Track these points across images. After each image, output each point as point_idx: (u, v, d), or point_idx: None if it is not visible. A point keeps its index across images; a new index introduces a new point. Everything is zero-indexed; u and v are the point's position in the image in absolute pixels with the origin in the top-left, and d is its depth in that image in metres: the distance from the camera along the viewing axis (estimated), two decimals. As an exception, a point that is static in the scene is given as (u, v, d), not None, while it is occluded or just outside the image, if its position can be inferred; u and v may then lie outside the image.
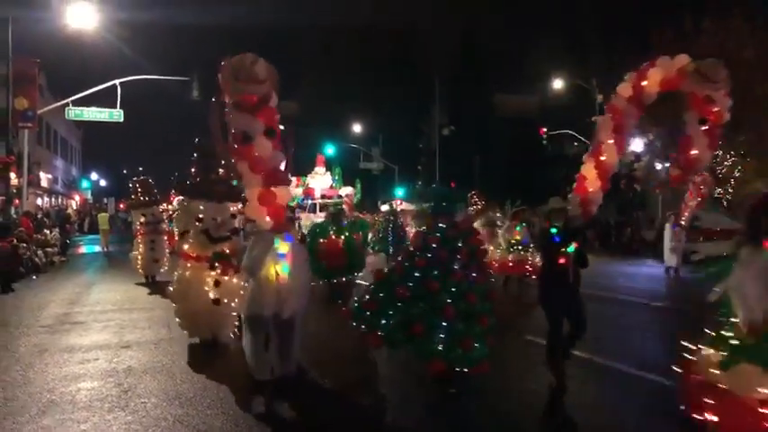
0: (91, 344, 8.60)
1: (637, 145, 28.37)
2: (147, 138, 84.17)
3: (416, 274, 6.53)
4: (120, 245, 27.09)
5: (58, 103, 25.15)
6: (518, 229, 14.15)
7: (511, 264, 13.73)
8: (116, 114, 25.51)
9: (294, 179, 35.59)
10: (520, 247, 13.76)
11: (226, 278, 8.01)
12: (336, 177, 35.90)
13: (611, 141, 7.15)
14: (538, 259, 11.64)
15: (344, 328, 7.22)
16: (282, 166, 6.71)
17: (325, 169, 36.02)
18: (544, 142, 40.56)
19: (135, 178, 16.72)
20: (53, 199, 45.68)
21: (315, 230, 12.81)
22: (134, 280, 15.22)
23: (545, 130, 39.25)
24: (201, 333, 8.33)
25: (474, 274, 6.63)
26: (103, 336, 9.15)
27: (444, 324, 6.21)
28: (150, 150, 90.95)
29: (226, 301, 8.01)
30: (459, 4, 63.11)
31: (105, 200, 60.06)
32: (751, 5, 21.97)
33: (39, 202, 38.03)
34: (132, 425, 5.49)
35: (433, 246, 6.61)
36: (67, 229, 30.56)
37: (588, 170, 7.27)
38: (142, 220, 15.62)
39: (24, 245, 17.07)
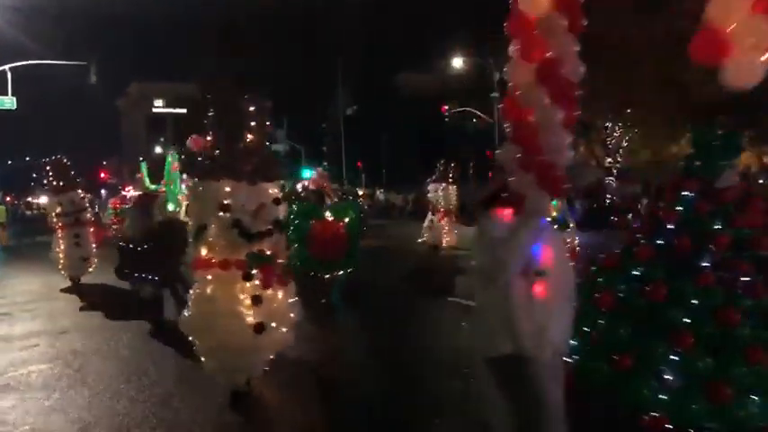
0: (26, 332, 8.55)
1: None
2: (38, 126, 79.12)
3: (635, 273, 4.47)
4: (17, 238, 25.98)
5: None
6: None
7: None
8: (8, 102, 24.26)
9: None
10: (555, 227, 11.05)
11: (269, 292, 5.49)
12: None
13: None
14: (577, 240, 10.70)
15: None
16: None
17: None
18: (446, 119, 41.75)
19: (46, 159, 13.43)
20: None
21: (303, 210, 9.63)
22: (49, 271, 14.65)
23: (447, 107, 40.43)
24: (237, 378, 5.59)
25: (744, 279, 4.18)
26: (36, 324, 9.08)
27: (676, 357, 4.02)
28: (41, 140, 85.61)
29: (273, 325, 5.45)
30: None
31: (-5, 192, 56.60)
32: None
33: None
34: (96, 397, 5.70)
35: (670, 227, 4.44)
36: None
37: None
38: (58, 210, 12.67)
39: None
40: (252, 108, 5.61)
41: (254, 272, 5.31)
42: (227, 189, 5.38)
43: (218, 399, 5.51)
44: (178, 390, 5.90)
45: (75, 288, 12.20)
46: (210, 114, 5.67)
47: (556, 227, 8.76)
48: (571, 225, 10.59)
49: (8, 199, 46.36)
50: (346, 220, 9.45)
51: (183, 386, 6.00)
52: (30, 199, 78.47)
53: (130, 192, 33.71)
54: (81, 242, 12.51)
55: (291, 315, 5.64)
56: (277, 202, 5.64)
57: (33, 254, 20.33)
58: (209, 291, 5.48)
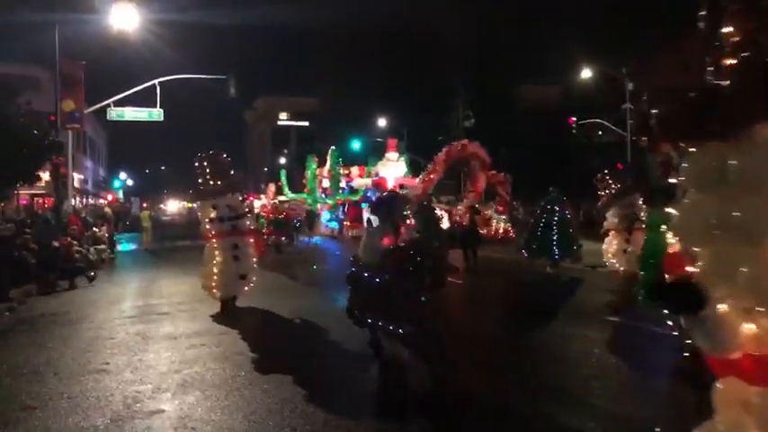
0: (189, 332, 8.91)
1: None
2: (171, 138, 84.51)
3: None
4: (158, 242, 27.63)
5: (102, 104, 25.55)
6: None
7: None
8: (156, 114, 25.92)
9: (357, 168, 33.79)
10: None
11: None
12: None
13: None
14: None
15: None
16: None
17: (398, 155, 30.62)
18: (573, 131, 40.45)
19: (201, 154, 10.91)
20: (85, 199, 46.33)
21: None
22: (195, 274, 15.10)
23: (574, 119, 39.16)
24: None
25: None
26: (196, 324, 9.44)
27: None
28: (174, 151, 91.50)
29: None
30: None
31: (132, 199, 61.05)
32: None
33: (72, 202, 38.59)
34: (266, 399, 5.78)
35: None
36: (111, 228, 31.08)
37: None
38: (213, 215, 10.39)
39: (77, 243, 17.48)
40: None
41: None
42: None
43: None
44: (358, 397, 5.87)
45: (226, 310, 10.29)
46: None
47: None
48: None
49: (144, 205, 49.52)
50: None
51: (344, 390, 5.98)
52: (162, 206, 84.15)
53: (257, 201, 35.31)
54: (240, 255, 10.32)
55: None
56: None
57: (175, 256, 21.64)
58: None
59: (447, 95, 56.04)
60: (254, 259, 10.86)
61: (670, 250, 5.69)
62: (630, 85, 33.81)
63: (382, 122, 53.23)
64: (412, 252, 5.88)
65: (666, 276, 5.47)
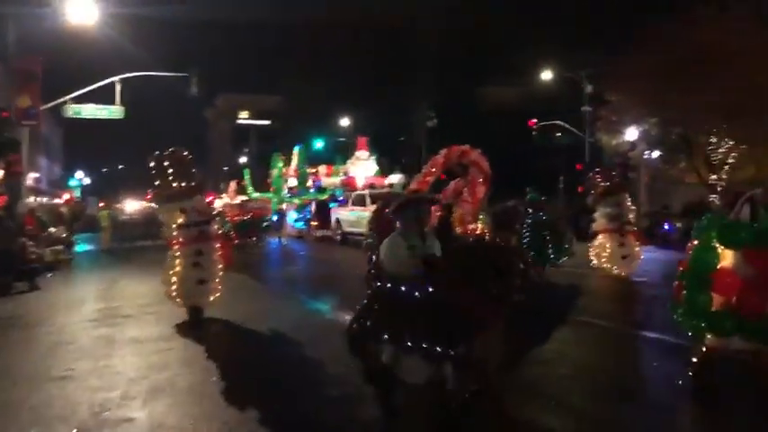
0: (155, 335, 8.67)
1: (632, 134, 28.94)
2: (130, 136, 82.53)
3: None
4: (117, 242, 26.96)
5: (59, 100, 24.85)
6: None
7: None
8: (116, 111, 25.33)
9: (324, 167, 33.24)
10: None
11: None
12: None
13: None
14: None
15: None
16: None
17: (368, 154, 30.47)
18: (533, 133, 40.98)
19: (160, 153, 9.58)
20: (39, 198, 45.03)
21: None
22: (157, 274, 14.77)
23: (535, 121, 39.69)
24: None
25: None
26: (162, 328, 9.14)
27: None
28: (133, 149, 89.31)
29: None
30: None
31: (89, 198, 59.51)
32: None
33: (27, 201, 37.52)
34: (241, 405, 5.61)
35: None
36: (68, 228, 30.27)
37: None
38: (180, 220, 9.34)
39: (33, 243, 16.94)
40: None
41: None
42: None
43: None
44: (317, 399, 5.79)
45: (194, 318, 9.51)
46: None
47: None
48: None
49: (101, 205, 48.46)
50: None
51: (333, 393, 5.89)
52: (119, 205, 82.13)
53: (218, 200, 34.73)
54: (203, 261, 9.39)
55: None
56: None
57: (136, 257, 21.17)
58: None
59: (410, 96, 56.28)
60: (220, 266, 9.80)
61: (720, 267, 5.22)
62: (589, 88, 34.43)
63: (345, 122, 53.14)
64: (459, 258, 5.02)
65: (715, 297, 5.17)
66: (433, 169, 13.59)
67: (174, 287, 9.42)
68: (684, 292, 5.49)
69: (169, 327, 9.16)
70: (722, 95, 21.49)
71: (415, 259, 4.97)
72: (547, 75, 37.68)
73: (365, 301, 5.43)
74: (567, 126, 37.19)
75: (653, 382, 6.51)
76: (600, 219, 13.24)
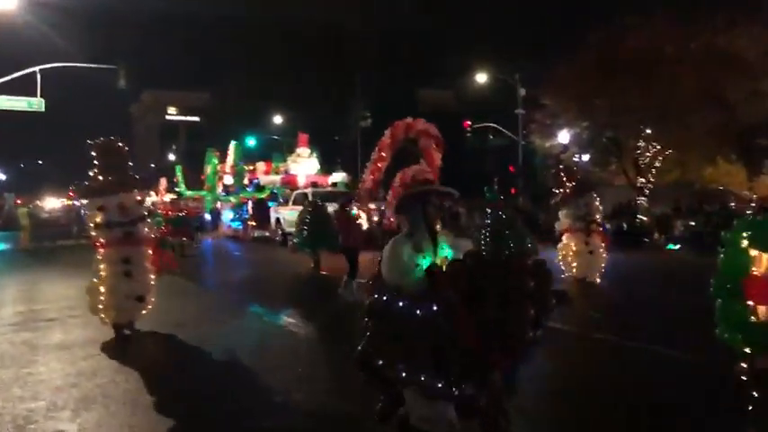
0: (83, 340, 8.14)
1: (564, 137, 29.69)
2: (51, 129, 78.73)
3: None
4: (37, 241, 25.65)
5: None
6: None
7: None
8: (36, 103, 24.03)
9: (263, 164, 32.28)
10: None
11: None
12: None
13: None
14: None
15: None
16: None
17: (309, 151, 29.54)
18: (468, 135, 41.49)
19: (91, 142, 8.49)
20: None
21: None
22: (83, 277, 14.04)
23: (469, 123, 40.18)
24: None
25: None
26: (89, 332, 8.56)
27: None
28: (54, 143, 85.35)
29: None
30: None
31: (5, 195, 56.50)
32: (676, 4, 23.54)
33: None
34: (180, 414, 5.31)
35: None
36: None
37: None
38: (99, 219, 8.03)
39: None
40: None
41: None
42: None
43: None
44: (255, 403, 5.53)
45: (122, 336, 8.18)
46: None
47: None
48: None
49: (18, 202, 46.35)
50: None
51: (260, 398, 5.63)
52: (39, 203, 78.48)
53: (150, 198, 33.45)
54: (133, 270, 8.12)
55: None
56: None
57: (58, 257, 20.15)
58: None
59: (345, 95, 56.12)
60: (152, 276, 8.50)
61: (753, 272, 4.59)
62: (523, 91, 35.10)
63: (278, 120, 52.43)
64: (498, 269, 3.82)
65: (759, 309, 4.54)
66: (383, 153, 13.36)
67: (101, 301, 8.00)
68: (718, 302, 4.90)
69: (98, 331, 8.55)
70: (648, 100, 22.31)
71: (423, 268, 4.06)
72: (481, 77, 38.13)
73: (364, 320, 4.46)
74: (500, 128, 37.78)
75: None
76: (564, 219, 13.05)
